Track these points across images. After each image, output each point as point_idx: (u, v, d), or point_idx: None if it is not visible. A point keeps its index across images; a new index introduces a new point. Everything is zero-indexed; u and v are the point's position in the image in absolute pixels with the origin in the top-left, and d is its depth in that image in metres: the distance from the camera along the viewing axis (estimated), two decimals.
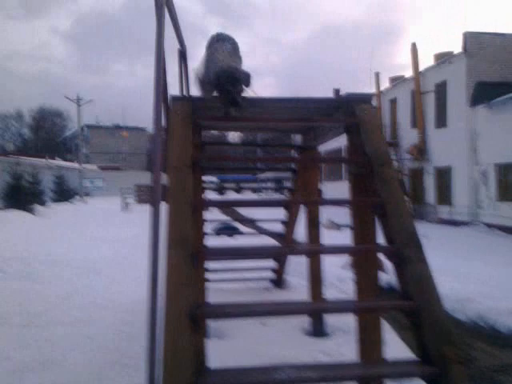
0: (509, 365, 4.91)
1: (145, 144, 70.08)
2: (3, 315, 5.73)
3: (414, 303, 2.62)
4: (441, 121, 20.16)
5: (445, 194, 19.91)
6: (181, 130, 3.30)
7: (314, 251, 5.06)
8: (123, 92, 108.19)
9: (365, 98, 3.83)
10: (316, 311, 3.94)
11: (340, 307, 3.17)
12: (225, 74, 2.97)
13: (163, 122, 3.46)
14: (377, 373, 2.59)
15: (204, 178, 8.70)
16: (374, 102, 24.55)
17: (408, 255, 2.82)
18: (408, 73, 22.81)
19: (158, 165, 2.60)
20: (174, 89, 4.19)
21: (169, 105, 3.60)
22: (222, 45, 3.30)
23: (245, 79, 3.01)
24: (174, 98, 3.59)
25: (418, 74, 21.24)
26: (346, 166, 4.33)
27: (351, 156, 3.68)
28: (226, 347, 4.39)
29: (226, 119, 3.40)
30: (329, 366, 2.58)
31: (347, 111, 3.75)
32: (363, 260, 3.49)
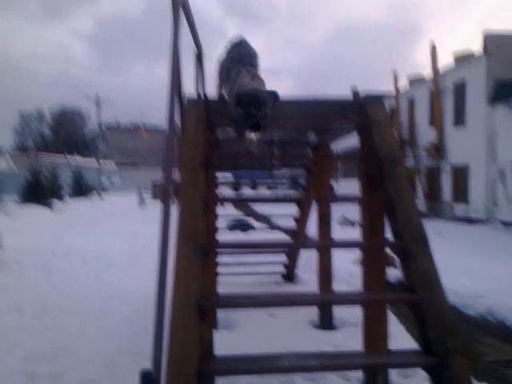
0: None
1: (162, 143, 70.52)
2: (18, 305, 5.88)
3: (417, 296, 2.66)
4: (459, 119, 19.97)
5: (461, 192, 19.73)
6: (194, 128, 3.38)
7: (323, 245, 5.12)
8: (142, 93, 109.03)
9: (377, 98, 3.88)
10: (323, 303, 4.00)
11: (346, 299, 3.23)
12: (248, 98, 2.80)
13: (178, 122, 3.55)
14: (378, 362, 2.64)
15: (219, 174, 8.80)
16: (392, 101, 24.46)
17: (414, 250, 2.85)
18: (427, 71, 22.67)
19: (171, 162, 2.67)
20: (190, 90, 4.28)
21: (184, 105, 3.67)
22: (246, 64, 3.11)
23: (270, 99, 2.85)
24: (189, 99, 3.68)
25: (436, 73, 21.07)
26: (357, 164, 4.36)
27: (362, 154, 3.72)
28: (235, 338, 4.47)
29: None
30: (331, 355, 2.64)
31: (359, 110, 3.78)
32: (371, 255, 3.53)
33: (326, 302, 3.85)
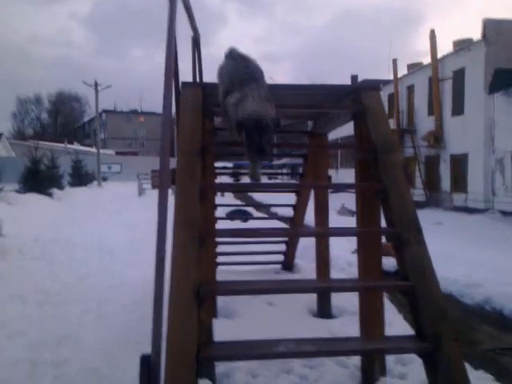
0: None
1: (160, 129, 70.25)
2: (20, 293, 5.94)
3: (410, 283, 2.72)
4: (458, 108, 19.94)
5: (460, 182, 19.78)
6: (190, 115, 3.39)
7: (318, 233, 5.19)
8: (141, 77, 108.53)
9: (372, 86, 3.91)
10: (319, 289, 4.07)
11: (342, 286, 3.29)
12: (251, 123, 2.70)
13: (174, 108, 3.55)
14: (373, 347, 2.71)
15: (219, 163, 8.78)
16: (392, 89, 24.41)
17: (407, 238, 2.90)
18: (427, 59, 22.58)
19: (167, 150, 2.71)
20: (187, 75, 4.27)
21: (180, 91, 3.68)
22: (251, 85, 2.95)
23: (274, 125, 2.77)
24: (185, 84, 3.69)
25: (435, 61, 21.01)
26: (353, 152, 4.39)
27: (357, 143, 3.75)
28: (234, 326, 4.54)
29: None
30: (327, 341, 2.70)
31: (355, 98, 3.81)
32: (366, 243, 3.58)
33: (322, 289, 3.91)
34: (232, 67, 3.19)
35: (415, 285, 2.67)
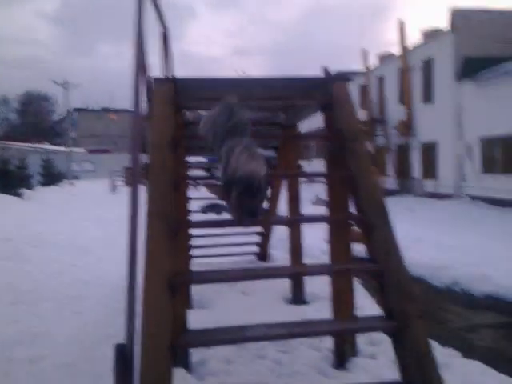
0: (479, 325, 5.17)
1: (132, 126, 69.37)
2: None
3: (378, 265, 2.80)
4: (427, 97, 20.34)
5: (430, 169, 20.19)
6: (161, 110, 3.41)
7: (290, 221, 5.30)
8: (112, 74, 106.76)
9: (340, 77, 3.97)
10: (290, 274, 4.16)
11: (312, 270, 3.37)
12: (243, 184, 2.49)
13: (145, 103, 3.55)
14: (343, 327, 2.79)
15: (193, 158, 8.75)
16: (362, 79, 24.66)
17: (374, 222, 2.98)
18: (396, 49, 22.91)
19: (137, 144, 2.72)
20: (158, 71, 4.26)
21: (151, 86, 3.68)
22: (241, 141, 2.72)
23: (266, 185, 2.62)
24: (155, 80, 3.70)
25: (404, 51, 21.32)
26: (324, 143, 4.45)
27: (326, 133, 3.82)
28: (208, 315, 4.57)
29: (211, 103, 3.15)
30: (299, 324, 2.76)
31: (324, 90, 3.86)
32: (337, 229, 3.67)
33: (293, 274, 3.99)
34: (224, 117, 2.89)
35: (382, 266, 2.76)
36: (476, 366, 3.75)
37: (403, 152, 22.45)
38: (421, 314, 2.63)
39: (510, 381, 3.65)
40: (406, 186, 21.69)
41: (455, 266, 7.21)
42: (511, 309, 5.79)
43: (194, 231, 6.24)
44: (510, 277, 6.52)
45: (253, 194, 2.53)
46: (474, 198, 16.94)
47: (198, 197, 11.18)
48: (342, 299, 3.62)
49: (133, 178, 2.61)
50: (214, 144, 2.90)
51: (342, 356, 3.62)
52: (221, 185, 2.72)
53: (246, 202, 2.54)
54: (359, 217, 3.13)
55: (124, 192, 23.01)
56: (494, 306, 5.95)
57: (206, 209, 12.93)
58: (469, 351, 4.20)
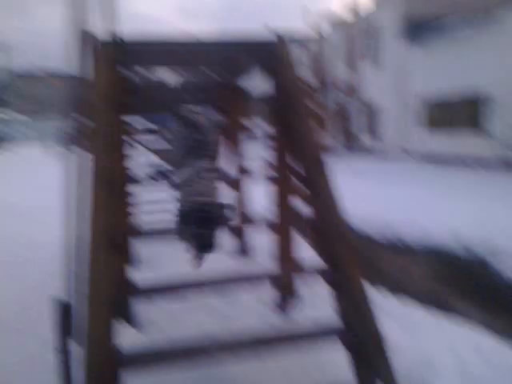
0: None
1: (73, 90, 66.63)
2: None
3: (315, 215, 2.94)
4: (374, 59, 20.66)
5: (377, 130, 20.71)
6: (105, 72, 3.31)
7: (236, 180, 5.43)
8: (50, 36, 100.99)
9: (282, 38, 3.98)
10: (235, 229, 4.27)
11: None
12: (197, 214, 2.52)
13: (84, 64, 3.47)
14: (282, 271, 2.94)
15: (134, 118, 8.50)
16: (312, 43, 24.67)
17: (312, 172, 3.11)
18: (347, 13, 22.96)
19: (75, 107, 2.69)
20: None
21: (95, 49, 3.57)
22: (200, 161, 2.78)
23: (224, 215, 2.64)
24: (101, 42, 3.56)
25: (354, 14, 21.53)
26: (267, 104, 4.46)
27: (270, 94, 3.86)
28: (153, 273, 4.57)
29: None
30: (237, 271, 2.90)
31: (266, 51, 3.88)
32: (279, 185, 3.82)
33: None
34: (185, 135, 2.93)
35: (321, 215, 2.88)
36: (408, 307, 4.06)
37: (350, 114, 22.88)
38: (353, 256, 2.78)
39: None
40: (352, 147, 22.28)
41: (393, 217, 7.67)
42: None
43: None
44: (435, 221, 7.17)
45: (211, 224, 2.60)
46: (417, 157, 17.56)
47: (147, 163, 10.93)
48: (282, 251, 3.77)
49: (69, 142, 2.61)
50: (177, 156, 2.97)
51: (283, 300, 3.77)
52: (177, 216, 2.75)
53: (202, 234, 2.60)
54: (299, 171, 3.26)
55: (65, 156, 22.07)
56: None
57: (157, 176, 12.71)
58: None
